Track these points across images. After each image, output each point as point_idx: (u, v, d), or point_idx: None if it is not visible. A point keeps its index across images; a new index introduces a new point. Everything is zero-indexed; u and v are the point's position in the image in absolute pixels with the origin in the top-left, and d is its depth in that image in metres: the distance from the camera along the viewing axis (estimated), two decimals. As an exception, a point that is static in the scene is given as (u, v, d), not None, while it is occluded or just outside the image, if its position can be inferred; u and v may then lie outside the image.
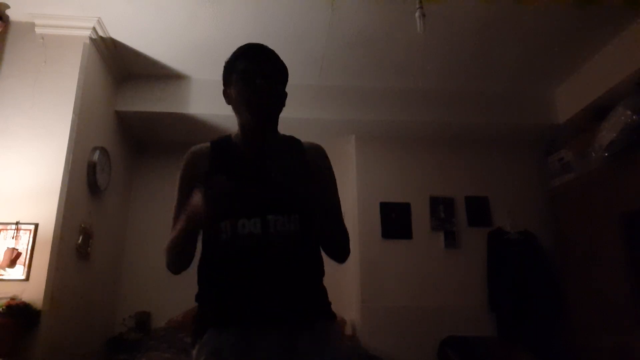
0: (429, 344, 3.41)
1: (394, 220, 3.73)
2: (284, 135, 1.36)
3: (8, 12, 2.86)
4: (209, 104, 3.56)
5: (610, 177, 3.14)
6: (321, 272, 1.28)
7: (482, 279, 3.67)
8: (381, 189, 3.80)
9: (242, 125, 1.31)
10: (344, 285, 3.57)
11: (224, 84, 1.34)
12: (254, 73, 1.26)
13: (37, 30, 2.90)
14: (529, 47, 3.24)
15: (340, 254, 1.29)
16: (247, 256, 1.17)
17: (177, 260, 1.25)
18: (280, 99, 1.31)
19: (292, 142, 1.36)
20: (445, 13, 2.85)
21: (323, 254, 1.29)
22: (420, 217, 3.79)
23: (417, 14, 2.46)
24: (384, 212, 3.73)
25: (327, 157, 1.36)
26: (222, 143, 1.34)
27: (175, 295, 3.62)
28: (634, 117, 2.86)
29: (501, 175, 3.95)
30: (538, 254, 3.65)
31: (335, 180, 1.35)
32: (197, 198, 1.14)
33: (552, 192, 3.79)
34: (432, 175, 3.91)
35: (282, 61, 1.34)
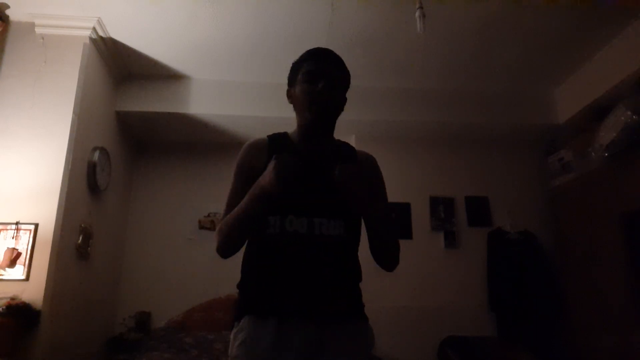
0: (429, 344, 3.41)
1: (394, 221, 3.73)
2: (339, 141, 1.41)
3: (8, 12, 2.86)
4: (209, 104, 3.56)
5: (610, 177, 3.14)
6: (358, 277, 1.33)
7: (482, 279, 3.67)
8: (381, 189, 3.80)
9: (300, 124, 1.35)
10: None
11: (289, 84, 1.38)
12: (320, 74, 1.29)
13: (37, 30, 2.90)
14: (529, 47, 3.24)
15: (391, 262, 1.34)
16: (291, 253, 1.21)
17: (232, 239, 1.25)
18: (340, 104, 1.34)
19: (346, 148, 1.40)
20: (445, 13, 2.85)
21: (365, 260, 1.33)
22: (420, 217, 3.80)
23: (417, 14, 2.46)
24: (384, 212, 3.74)
25: (378, 167, 1.40)
26: (279, 139, 1.36)
27: (175, 295, 3.65)
28: (634, 117, 2.86)
29: (501, 175, 3.95)
30: (538, 254, 3.65)
31: (385, 190, 1.39)
32: (269, 173, 1.16)
33: (552, 192, 3.79)
34: (432, 175, 3.91)
35: (347, 68, 1.37)
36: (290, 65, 1.40)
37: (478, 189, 3.90)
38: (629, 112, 2.89)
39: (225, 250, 1.27)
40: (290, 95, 1.38)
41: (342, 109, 1.36)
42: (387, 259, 1.33)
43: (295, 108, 1.35)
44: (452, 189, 3.88)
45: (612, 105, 3.07)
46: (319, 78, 1.28)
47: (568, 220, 3.61)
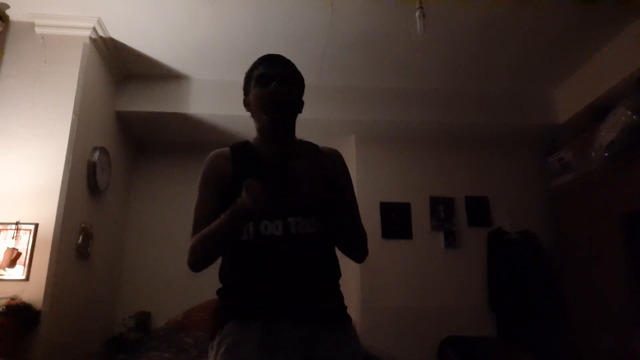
0: (429, 344, 3.41)
1: (394, 220, 3.73)
2: (301, 140, 1.40)
3: (8, 12, 2.86)
4: (209, 104, 3.56)
5: (610, 177, 3.14)
6: (338, 273, 1.32)
7: (482, 279, 3.67)
8: (381, 189, 3.80)
9: (260, 129, 1.35)
10: (344, 285, 3.54)
11: (244, 94, 1.39)
12: (270, 76, 1.30)
13: (37, 30, 2.90)
14: (529, 47, 3.24)
15: (359, 253, 1.33)
16: (269, 257, 1.20)
17: (207, 257, 1.25)
18: (295, 103, 1.35)
19: (309, 145, 1.39)
20: (445, 13, 2.85)
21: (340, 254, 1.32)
22: (420, 217, 3.79)
23: (417, 14, 2.46)
24: (384, 212, 3.73)
25: (343, 160, 1.40)
26: (241, 147, 1.37)
27: (175, 295, 3.64)
28: (634, 117, 2.86)
29: (501, 175, 3.95)
30: (538, 254, 3.65)
31: (351, 182, 1.39)
32: (245, 196, 1.14)
33: (552, 192, 3.78)
34: (432, 175, 3.91)
35: (298, 70, 1.38)
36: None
37: (478, 189, 3.90)
38: (629, 112, 2.89)
39: (197, 266, 1.26)
40: (247, 104, 1.39)
41: (299, 110, 1.37)
42: (353, 249, 1.32)
43: (253, 115, 1.36)
44: (452, 189, 3.88)
45: (612, 105, 3.07)
46: (270, 80, 1.29)
47: (568, 220, 3.61)
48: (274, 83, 1.28)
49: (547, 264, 3.64)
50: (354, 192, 1.38)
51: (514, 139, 3.99)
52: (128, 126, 3.74)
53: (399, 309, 3.52)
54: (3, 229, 2.53)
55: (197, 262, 1.25)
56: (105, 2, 2.79)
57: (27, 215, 2.56)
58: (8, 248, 2.47)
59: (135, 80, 3.56)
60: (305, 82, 1.41)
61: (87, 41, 2.94)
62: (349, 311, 1.30)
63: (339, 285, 1.31)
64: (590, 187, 3.35)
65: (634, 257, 2.91)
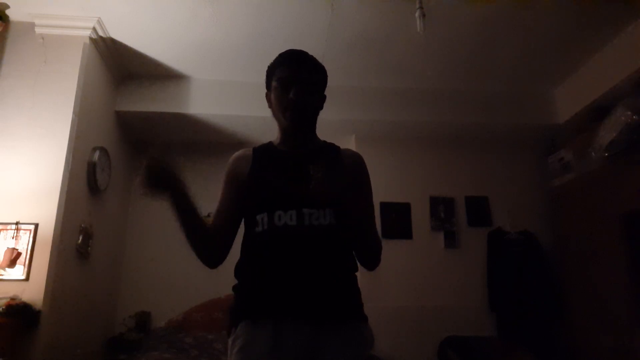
0: (429, 344, 3.40)
1: (394, 220, 3.73)
2: (324, 141, 1.42)
3: (8, 12, 2.85)
4: (209, 104, 3.57)
5: (610, 177, 3.14)
6: (354, 267, 1.31)
7: (482, 279, 3.67)
8: (381, 189, 3.79)
9: (281, 128, 1.38)
10: (344, 285, 3.56)
11: (266, 87, 1.40)
12: (292, 81, 1.30)
13: (37, 30, 2.90)
14: (529, 47, 3.24)
15: (372, 261, 1.32)
16: (283, 247, 1.21)
17: (194, 248, 1.31)
18: (316, 105, 1.37)
19: (331, 147, 1.42)
20: (445, 13, 2.85)
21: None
22: (420, 217, 3.79)
23: (417, 14, 2.46)
24: (384, 212, 3.72)
25: (364, 165, 1.41)
26: (262, 147, 1.41)
27: (175, 295, 3.65)
28: (634, 117, 2.86)
29: (501, 175, 3.95)
30: (538, 254, 3.65)
31: (370, 187, 1.40)
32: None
33: (552, 192, 3.78)
34: (432, 175, 3.91)
35: (321, 66, 1.39)
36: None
37: (478, 189, 3.89)
38: (629, 112, 2.89)
39: (201, 259, 1.32)
40: (268, 99, 1.40)
41: (320, 107, 1.39)
42: (367, 256, 1.32)
43: (274, 113, 1.38)
44: (452, 189, 3.88)
45: (612, 105, 3.07)
46: (291, 85, 1.29)
47: (568, 220, 3.60)
48: (294, 89, 1.28)
49: (547, 264, 3.64)
50: (372, 198, 1.38)
51: (514, 139, 3.99)
52: (128, 126, 3.74)
53: (399, 309, 3.52)
54: (3, 229, 2.53)
55: (197, 256, 1.31)
56: (105, 2, 2.79)
57: (27, 215, 2.56)
58: (8, 248, 2.47)
59: (135, 80, 3.56)
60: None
61: (87, 41, 2.95)
62: None
63: (355, 280, 1.30)
64: (590, 187, 3.34)
65: (634, 257, 2.92)
